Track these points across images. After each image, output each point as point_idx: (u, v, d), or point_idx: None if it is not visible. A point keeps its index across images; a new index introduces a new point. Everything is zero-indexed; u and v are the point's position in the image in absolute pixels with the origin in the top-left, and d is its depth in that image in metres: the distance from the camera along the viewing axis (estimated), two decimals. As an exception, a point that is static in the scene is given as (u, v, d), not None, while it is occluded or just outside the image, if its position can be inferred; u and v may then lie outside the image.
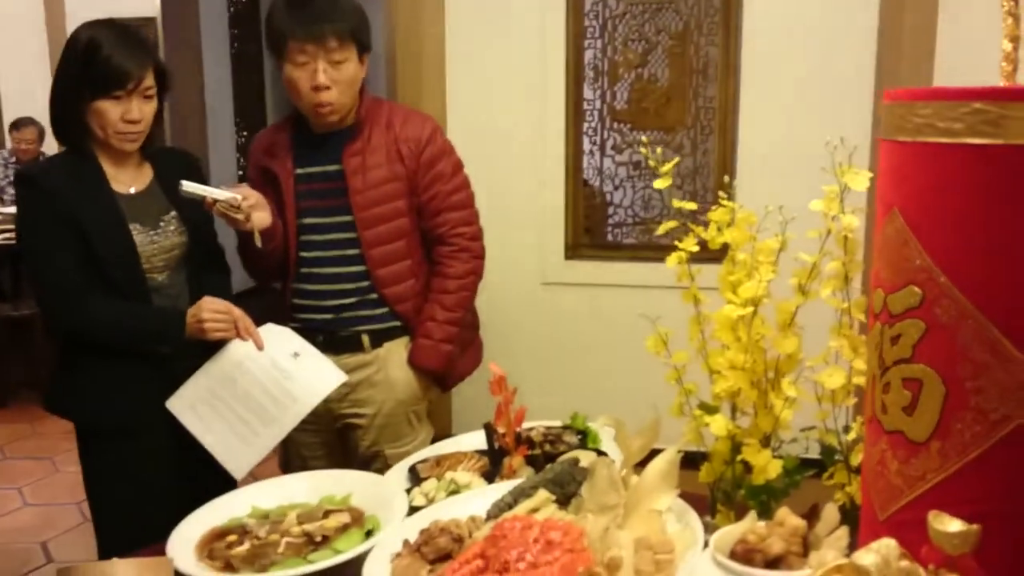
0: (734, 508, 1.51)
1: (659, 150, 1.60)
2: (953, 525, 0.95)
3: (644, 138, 1.63)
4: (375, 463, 2.40)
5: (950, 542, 0.95)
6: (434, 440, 2.45)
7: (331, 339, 2.34)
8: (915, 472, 1.14)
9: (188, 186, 2.07)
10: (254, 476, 2.11)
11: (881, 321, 1.19)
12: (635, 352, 3.32)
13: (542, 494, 1.57)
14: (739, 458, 1.44)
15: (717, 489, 1.54)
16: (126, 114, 2.04)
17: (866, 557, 1.07)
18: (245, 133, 7.08)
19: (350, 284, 2.36)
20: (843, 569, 1.08)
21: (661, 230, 1.55)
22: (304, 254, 2.36)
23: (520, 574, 1.27)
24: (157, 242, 2.13)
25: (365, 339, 2.38)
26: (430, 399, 2.57)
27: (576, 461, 1.72)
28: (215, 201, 2.09)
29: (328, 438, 2.47)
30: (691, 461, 1.58)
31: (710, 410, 1.47)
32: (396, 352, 2.42)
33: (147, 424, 2.13)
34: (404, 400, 2.43)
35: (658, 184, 1.54)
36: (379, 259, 2.34)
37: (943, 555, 0.96)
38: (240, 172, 7.10)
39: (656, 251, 3.47)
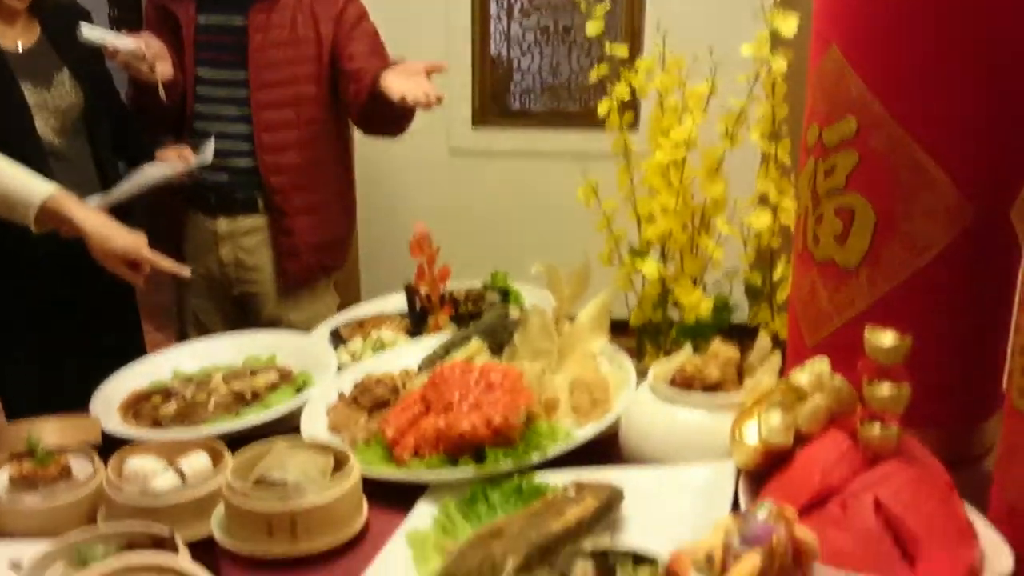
0: (662, 351, 1.56)
1: (591, -9, 1.56)
2: (887, 338, 1.00)
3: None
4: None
5: (884, 354, 1.00)
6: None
7: (225, 200, 2.25)
8: (845, 299, 1.20)
9: (88, 30, 1.90)
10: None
11: (815, 155, 1.22)
12: (546, 219, 3.35)
13: (475, 343, 1.58)
14: (671, 299, 1.48)
15: (645, 333, 1.59)
16: None
17: (801, 376, 1.12)
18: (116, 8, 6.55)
19: (245, 145, 2.26)
20: (779, 388, 1.14)
21: (593, 75, 1.53)
22: (200, 108, 2.24)
23: (464, 414, 1.28)
24: (51, 102, 1.98)
25: (260, 201, 2.30)
26: (335, 267, 2.51)
27: (506, 313, 1.74)
28: (116, 50, 1.94)
29: (224, 305, 2.39)
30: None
31: (640, 254, 1.49)
32: (291, 216, 2.33)
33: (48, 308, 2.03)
34: (303, 262, 2.36)
35: (590, 30, 1.52)
36: (265, 123, 2.24)
37: (877, 366, 1.01)
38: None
39: (564, 118, 3.46)
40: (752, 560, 0.81)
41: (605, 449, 1.35)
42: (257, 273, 2.33)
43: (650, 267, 1.45)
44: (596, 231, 1.59)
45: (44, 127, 1.97)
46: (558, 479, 1.22)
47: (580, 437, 1.31)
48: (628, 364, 1.48)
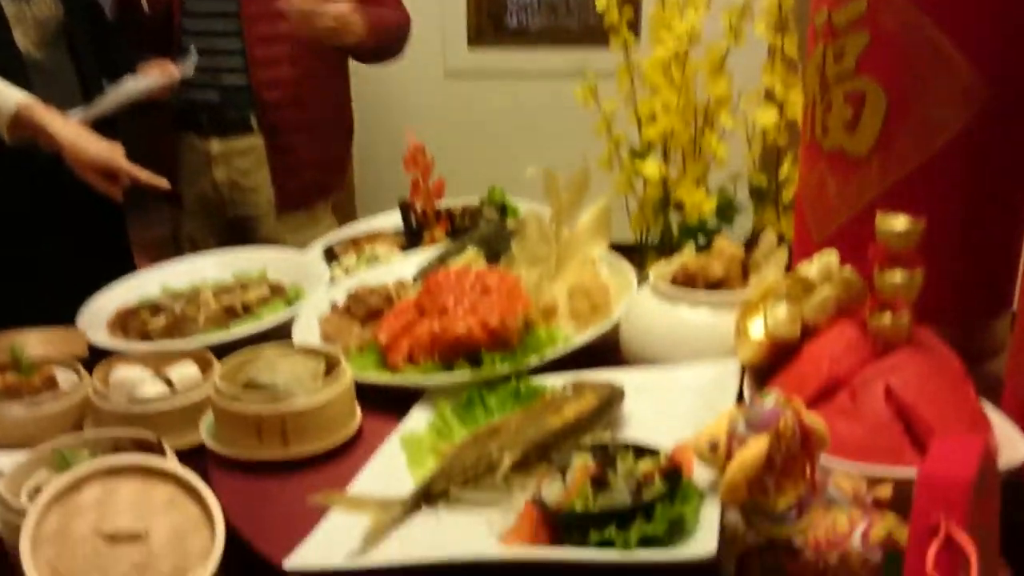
0: (664, 256, 1.52)
1: None
2: (900, 222, 0.95)
3: None
4: None
5: (897, 238, 0.95)
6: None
7: (218, 119, 2.19)
8: (854, 189, 1.14)
9: None
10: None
11: (823, 40, 1.15)
12: (545, 139, 3.26)
13: (471, 252, 1.53)
14: (672, 202, 1.42)
15: (647, 240, 1.54)
16: None
17: (809, 268, 1.08)
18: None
19: (236, 60, 2.18)
20: (786, 281, 1.09)
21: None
22: (187, 24, 2.16)
23: (460, 317, 1.24)
24: (29, 13, 1.92)
25: (253, 120, 2.24)
26: (334, 188, 2.45)
27: (503, 224, 1.69)
28: None
29: (220, 228, 2.35)
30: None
31: (641, 155, 1.43)
32: (287, 133, 2.26)
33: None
34: (302, 180, 2.31)
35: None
36: (257, 36, 2.16)
37: (889, 252, 0.97)
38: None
39: (563, 35, 3.36)
40: (759, 443, 0.77)
41: (606, 354, 1.31)
42: (254, 194, 2.28)
43: (651, 168, 1.39)
44: (595, 138, 1.52)
45: (23, 39, 1.91)
46: (557, 382, 1.18)
47: (579, 341, 1.28)
48: (629, 269, 1.43)
